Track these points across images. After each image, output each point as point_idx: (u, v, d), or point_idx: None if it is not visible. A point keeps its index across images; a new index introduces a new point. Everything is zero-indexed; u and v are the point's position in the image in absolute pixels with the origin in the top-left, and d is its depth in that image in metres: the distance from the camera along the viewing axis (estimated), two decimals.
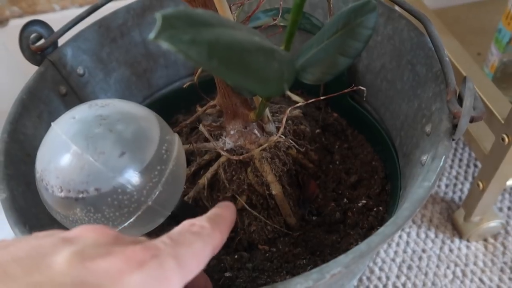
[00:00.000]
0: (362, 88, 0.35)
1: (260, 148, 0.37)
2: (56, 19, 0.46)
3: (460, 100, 0.29)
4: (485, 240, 0.55)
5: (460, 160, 0.63)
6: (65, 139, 0.25)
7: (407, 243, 0.55)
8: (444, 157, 0.27)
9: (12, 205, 0.30)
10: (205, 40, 0.19)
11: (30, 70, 0.40)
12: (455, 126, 0.29)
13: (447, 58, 0.31)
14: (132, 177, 0.26)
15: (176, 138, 0.30)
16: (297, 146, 0.40)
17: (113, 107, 0.28)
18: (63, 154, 0.25)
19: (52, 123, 0.27)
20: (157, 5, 0.47)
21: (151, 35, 0.18)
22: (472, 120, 0.28)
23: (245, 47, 0.21)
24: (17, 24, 0.65)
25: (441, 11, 0.68)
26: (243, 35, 0.22)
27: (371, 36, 0.29)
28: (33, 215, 0.31)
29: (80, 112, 0.27)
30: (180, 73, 0.51)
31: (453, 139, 0.29)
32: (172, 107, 0.51)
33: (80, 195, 0.25)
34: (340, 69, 0.29)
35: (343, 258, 0.24)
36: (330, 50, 0.29)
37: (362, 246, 0.24)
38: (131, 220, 0.26)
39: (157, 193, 0.27)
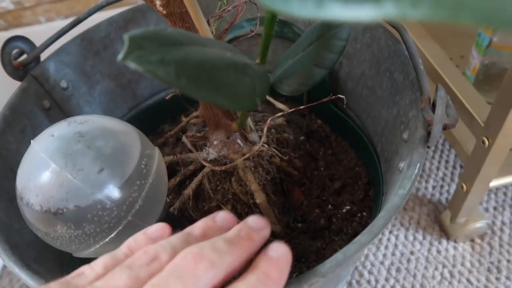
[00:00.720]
0: (342, 96, 0.36)
1: (243, 157, 0.38)
2: (41, 31, 0.46)
3: (434, 107, 0.29)
4: (472, 240, 0.56)
5: (447, 161, 0.64)
6: (44, 157, 0.26)
7: (396, 245, 0.56)
8: (419, 164, 0.28)
9: None
10: (173, 59, 0.20)
11: (16, 83, 0.40)
12: (430, 134, 0.29)
13: (421, 67, 0.32)
14: (112, 192, 0.26)
15: (156, 152, 0.30)
16: (280, 155, 0.40)
17: (92, 123, 0.28)
18: (42, 172, 0.26)
19: (31, 141, 0.27)
20: (140, 17, 0.47)
21: (119, 57, 0.18)
22: (445, 128, 0.28)
23: (215, 64, 0.21)
24: (2, 37, 0.65)
25: None
26: (214, 52, 0.22)
27: (345, 47, 0.29)
28: (16, 231, 0.31)
29: (59, 129, 0.27)
30: None
31: (428, 147, 0.29)
32: (158, 117, 0.51)
33: (60, 211, 0.25)
34: (316, 80, 0.29)
35: (320, 268, 0.24)
36: (305, 62, 0.29)
37: (339, 255, 0.24)
38: (112, 235, 0.27)
39: (137, 207, 0.27)
